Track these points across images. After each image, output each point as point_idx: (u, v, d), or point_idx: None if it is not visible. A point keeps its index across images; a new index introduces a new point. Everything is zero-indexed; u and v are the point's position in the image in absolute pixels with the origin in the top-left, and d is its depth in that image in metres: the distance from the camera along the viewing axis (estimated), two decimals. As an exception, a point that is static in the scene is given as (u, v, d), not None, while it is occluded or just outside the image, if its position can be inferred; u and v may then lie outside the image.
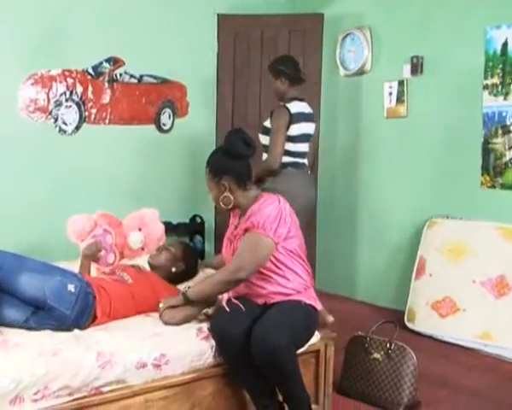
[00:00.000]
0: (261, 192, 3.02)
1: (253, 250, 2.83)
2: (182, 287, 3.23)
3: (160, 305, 2.95)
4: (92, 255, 3.55)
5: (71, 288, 2.84)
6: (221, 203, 2.99)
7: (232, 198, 2.97)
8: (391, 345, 3.28)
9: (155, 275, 3.32)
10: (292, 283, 2.90)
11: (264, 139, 4.31)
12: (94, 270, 3.71)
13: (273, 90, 4.38)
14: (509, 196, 4.48)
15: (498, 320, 4.22)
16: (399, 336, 3.38)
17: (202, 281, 3.04)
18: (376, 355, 3.32)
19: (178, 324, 2.88)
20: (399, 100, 5.19)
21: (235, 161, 2.97)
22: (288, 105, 4.24)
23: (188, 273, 3.46)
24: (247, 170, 3.01)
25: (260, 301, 2.91)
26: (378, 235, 5.43)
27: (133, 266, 3.40)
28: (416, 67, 5.02)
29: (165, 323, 2.90)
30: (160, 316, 2.93)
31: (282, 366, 2.66)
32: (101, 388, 2.53)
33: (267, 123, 4.32)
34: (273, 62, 4.44)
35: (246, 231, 2.87)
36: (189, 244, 3.72)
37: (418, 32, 5.04)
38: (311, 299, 2.95)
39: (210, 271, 3.43)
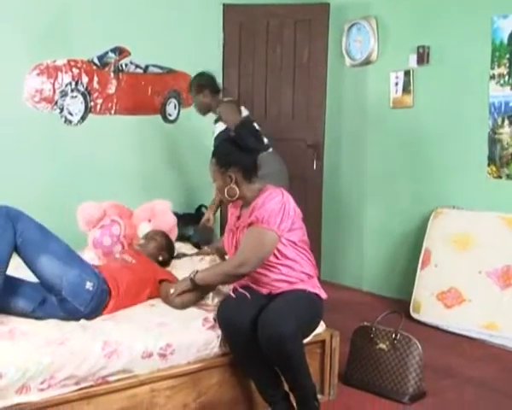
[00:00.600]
0: (266, 185, 3.02)
1: (256, 245, 2.84)
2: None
3: (171, 290, 3.00)
4: None
5: (89, 286, 2.85)
6: (226, 194, 2.99)
7: (238, 190, 2.97)
8: (396, 335, 3.28)
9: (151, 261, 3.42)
10: (295, 272, 2.92)
11: None
12: (97, 259, 3.73)
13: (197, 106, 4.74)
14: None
15: (504, 311, 4.21)
16: (405, 327, 3.38)
17: (209, 268, 3.10)
18: (382, 345, 3.32)
19: (185, 308, 2.97)
20: (405, 90, 5.17)
21: (243, 154, 2.97)
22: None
23: (168, 263, 3.61)
24: (254, 164, 3.01)
25: (265, 290, 2.92)
26: (384, 225, 5.42)
27: (134, 249, 3.48)
28: (423, 56, 5.00)
29: (176, 307, 2.96)
30: (168, 301, 3.01)
31: (288, 354, 2.67)
32: (107, 377, 2.54)
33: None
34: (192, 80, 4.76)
35: (250, 224, 2.88)
36: (168, 234, 3.80)
37: (424, 22, 5.02)
38: (316, 288, 2.97)
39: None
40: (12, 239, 2.75)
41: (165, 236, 3.70)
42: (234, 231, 3.04)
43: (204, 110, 4.72)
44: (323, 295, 3.00)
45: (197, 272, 2.99)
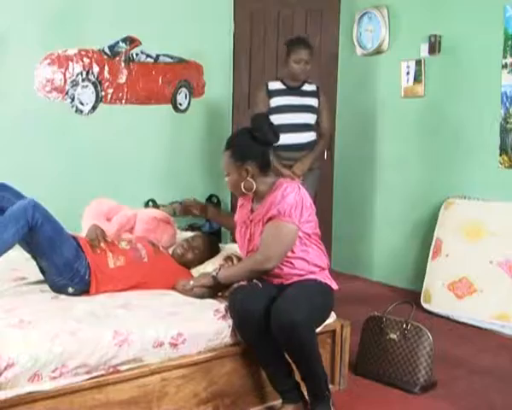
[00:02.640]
0: (279, 179, 3.02)
1: (280, 240, 2.85)
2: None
3: (191, 283, 3.02)
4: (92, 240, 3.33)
5: (71, 290, 2.99)
6: (242, 188, 2.97)
7: (254, 184, 2.96)
8: (407, 325, 3.28)
9: (171, 259, 3.36)
10: (308, 264, 2.93)
11: (308, 118, 4.52)
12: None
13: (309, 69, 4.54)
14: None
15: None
16: (415, 317, 3.38)
17: (231, 267, 3.11)
18: (392, 336, 3.32)
19: (203, 298, 2.99)
20: (417, 79, 5.14)
21: (261, 147, 2.97)
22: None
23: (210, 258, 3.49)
24: (269, 157, 3.02)
25: (276, 281, 2.93)
26: (395, 215, 5.41)
27: (154, 244, 3.40)
28: (434, 46, 4.96)
29: (195, 297, 3.00)
30: (186, 292, 3.03)
31: (301, 342, 2.68)
32: (118, 366, 2.55)
33: (310, 101, 4.52)
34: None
35: (269, 219, 2.87)
36: (207, 235, 3.71)
37: (436, 11, 4.98)
38: (327, 279, 2.98)
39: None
40: (24, 236, 2.87)
41: (204, 240, 3.52)
42: (247, 225, 3.03)
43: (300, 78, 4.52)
44: (335, 286, 3.02)
45: (219, 269, 2.99)
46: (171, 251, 3.48)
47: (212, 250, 3.46)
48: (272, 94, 4.48)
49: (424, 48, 5.06)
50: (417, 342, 3.23)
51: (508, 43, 4.50)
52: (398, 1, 5.31)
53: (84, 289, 3.01)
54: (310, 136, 4.50)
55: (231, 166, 2.99)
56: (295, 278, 2.91)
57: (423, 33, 5.04)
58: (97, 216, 3.75)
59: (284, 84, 4.51)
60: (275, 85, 4.52)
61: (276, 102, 4.47)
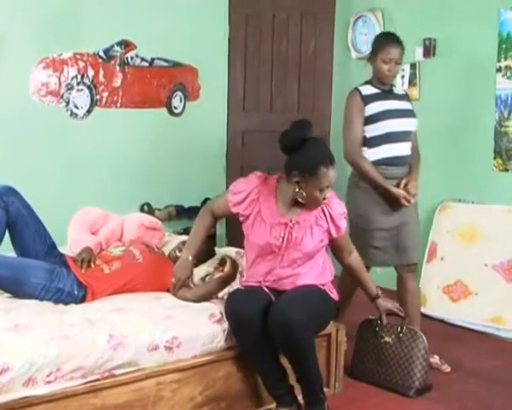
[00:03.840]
0: None
1: None
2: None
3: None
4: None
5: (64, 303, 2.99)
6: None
7: None
8: (402, 329, 3.28)
9: (167, 259, 3.36)
10: (323, 271, 3.01)
11: (411, 123, 3.77)
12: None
13: (397, 70, 3.76)
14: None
15: (510, 304, 4.21)
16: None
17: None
18: (387, 339, 3.32)
19: (198, 301, 3.01)
20: (411, 83, 5.16)
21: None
22: None
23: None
24: None
25: (289, 284, 2.95)
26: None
27: (147, 245, 3.41)
28: (429, 49, 4.99)
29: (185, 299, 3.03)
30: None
31: (298, 343, 2.69)
32: (113, 370, 2.55)
33: (407, 105, 3.80)
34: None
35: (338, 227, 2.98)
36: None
37: (431, 15, 5.00)
38: (331, 289, 3.04)
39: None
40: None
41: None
42: (285, 226, 2.89)
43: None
44: (336, 296, 3.05)
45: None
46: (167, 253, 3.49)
47: (207, 253, 3.46)
48: (367, 100, 3.67)
49: (419, 51, 5.07)
50: (412, 345, 3.24)
51: (502, 46, 4.52)
52: (392, 4, 5.33)
53: (78, 301, 3.00)
54: (409, 147, 3.74)
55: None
56: (305, 281, 2.93)
57: (418, 37, 5.05)
58: (82, 228, 3.73)
59: (375, 87, 3.72)
60: (367, 90, 3.71)
61: (372, 108, 3.64)
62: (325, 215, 2.93)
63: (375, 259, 3.75)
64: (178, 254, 3.32)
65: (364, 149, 3.64)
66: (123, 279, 3.11)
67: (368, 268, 3.52)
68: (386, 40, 3.71)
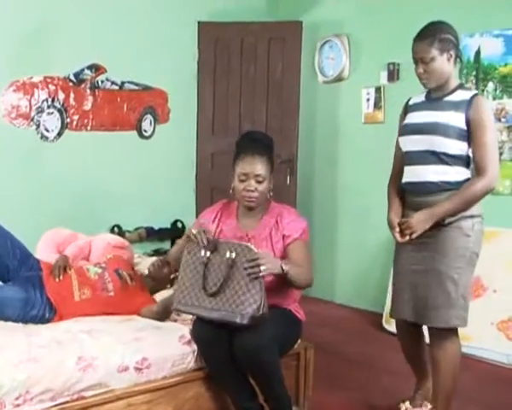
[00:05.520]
0: None
1: (310, 259, 2.97)
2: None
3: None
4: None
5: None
6: (268, 195, 3.01)
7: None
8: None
9: (138, 292, 3.35)
10: (291, 291, 2.99)
11: (423, 142, 2.96)
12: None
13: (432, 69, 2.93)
14: (483, 200, 4.53)
15: (475, 322, 4.28)
16: (377, 338, 3.40)
17: (298, 267, 2.85)
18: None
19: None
20: (377, 106, 5.28)
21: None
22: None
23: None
24: None
25: None
26: (357, 238, 5.51)
27: (121, 277, 3.34)
28: (393, 73, 5.13)
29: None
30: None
31: (263, 364, 2.70)
32: (83, 392, 2.55)
33: (445, 117, 2.89)
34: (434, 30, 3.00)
35: (295, 239, 2.93)
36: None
37: (394, 40, 5.12)
38: (298, 309, 3.06)
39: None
40: None
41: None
42: (244, 239, 2.93)
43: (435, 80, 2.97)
44: (302, 317, 3.07)
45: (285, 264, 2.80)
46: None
47: (164, 280, 3.48)
48: (410, 109, 3.16)
49: (383, 75, 5.21)
50: None
51: (463, 71, 4.66)
52: (358, 30, 5.46)
53: (45, 322, 3.03)
54: (440, 171, 2.91)
55: (267, 172, 2.94)
56: (270, 301, 2.85)
57: (382, 61, 5.20)
58: (49, 248, 3.75)
59: (426, 94, 3.11)
60: (417, 98, 3.17)
61: (405, 120, 3.14)
62: (278, 227, 2.95)
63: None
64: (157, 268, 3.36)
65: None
66: (91, 310, 3.12)
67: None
68: (415, 39, 3.06)
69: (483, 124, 2.81)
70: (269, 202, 3.04)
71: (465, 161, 2.90)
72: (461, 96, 2.90)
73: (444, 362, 2.92)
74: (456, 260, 2.84)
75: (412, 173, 3.00)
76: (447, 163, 2.87)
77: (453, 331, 2.91)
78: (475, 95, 2.88)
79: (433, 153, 2.88)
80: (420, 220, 2.84)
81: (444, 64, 2.91)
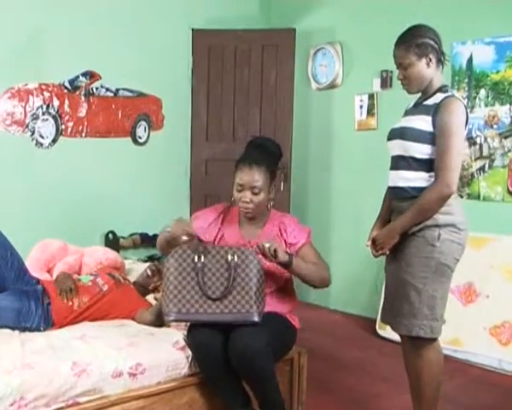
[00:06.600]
0: None
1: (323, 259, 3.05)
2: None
3: (267, 245, 2.77)
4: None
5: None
6: (269, 205, 3.00)
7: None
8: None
9: (133, 290, 3.41)
10: (288, 298, 3.04)
11: (394, 147, 2.94)
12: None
13: (410, 74, 2.89)
14: (475, 206, 4.58)
15: (466, 327, 4.32)
16: (371, 343, 3.42)
17: (307, 264, 2.95)
18: None
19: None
20: (370, 113, 5.32)
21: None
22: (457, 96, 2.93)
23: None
24: None
25: None
26: (349, 244, 5.52)
27: (114, 277, 3.40)
28: (386, 80, 5.16)
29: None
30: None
31: (258, 370, 2.70)
32: (77, 397, 2.54)
33: (414, 121, 2.85)
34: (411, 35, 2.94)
35: (302, 245, 3.00)
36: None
37: (387, 47, 5.04)
38: (293, 316, 3.07)
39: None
40: None
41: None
42: (246, 246, 2.94)
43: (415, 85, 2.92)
44: (297, 324, 3.09)
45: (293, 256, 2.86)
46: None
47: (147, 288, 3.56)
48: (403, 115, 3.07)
49: (376, 82, 5.25)
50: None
51: (455, 78, 4.70)
52: (351, 37, 5.49)
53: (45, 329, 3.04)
54: (407, 176, 2.86)
55: (265, 183, 2.92)
56: (267, 308, 2.89)
57: (375, 68, 5.23)
58: (38, 263, 3.74)
59: (417, 99, 3.00)
60: (411, 103, 3.07)
61: None
62: (282, 236, 2.99)
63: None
64: (148, 276, 3.44)
65: None
66: (92, 316, 3.15)
67: None
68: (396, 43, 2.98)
69: (446, 128, 2.72)
70: (269, 211, 3.06)
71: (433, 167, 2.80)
72: (435, 99, 2.83)
73: (422, 370, 2.87)
74: (420, 269, 2.78)
75: (390, 178, 2.97)
76: (415, 169, 2.80)
77: (427, 340, 2.83)
78: (446, 97, 2.78)
79: (403, 158, 2.83)
80: (385, 236, 2.87)
81: (423, 69, 2.85)
